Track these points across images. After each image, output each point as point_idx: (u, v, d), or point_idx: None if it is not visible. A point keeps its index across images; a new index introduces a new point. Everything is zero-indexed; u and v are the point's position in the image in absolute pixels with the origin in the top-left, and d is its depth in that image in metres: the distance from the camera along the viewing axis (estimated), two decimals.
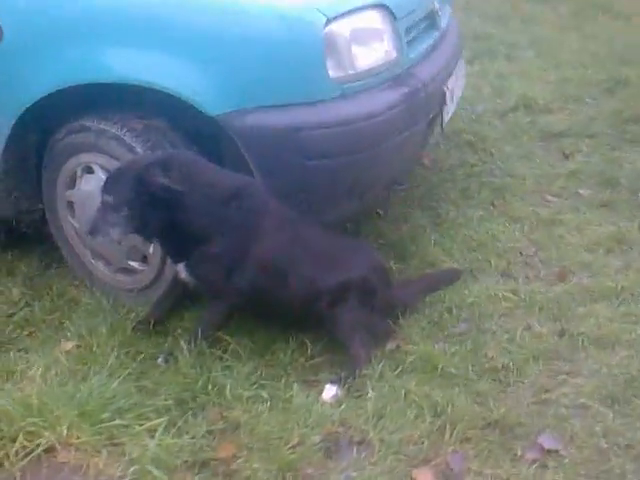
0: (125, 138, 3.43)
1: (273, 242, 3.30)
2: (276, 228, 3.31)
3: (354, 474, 2.83)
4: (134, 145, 3.43)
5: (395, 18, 3.54)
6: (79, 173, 3.61)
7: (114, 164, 3.46)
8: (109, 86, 3.39)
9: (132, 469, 2.77)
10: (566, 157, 4.94)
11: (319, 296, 3.31)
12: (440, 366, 3.27)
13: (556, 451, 2.91)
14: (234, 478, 2.85)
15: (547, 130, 5.23)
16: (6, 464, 2.80)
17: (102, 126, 3.48)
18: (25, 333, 3.59)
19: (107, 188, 3.22)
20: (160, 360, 3.34)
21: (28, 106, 3.47)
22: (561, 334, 3.48)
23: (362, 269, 3.39)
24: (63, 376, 3.23)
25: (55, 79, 3.41)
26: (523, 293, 3.72)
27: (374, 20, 3.48)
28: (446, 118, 3.96)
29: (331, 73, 3.38)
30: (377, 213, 4.33)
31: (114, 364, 3.27)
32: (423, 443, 2.95)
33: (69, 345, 3.43)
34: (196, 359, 3.28)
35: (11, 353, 3.43)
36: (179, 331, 3.48)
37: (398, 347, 3.41)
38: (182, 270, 3.35)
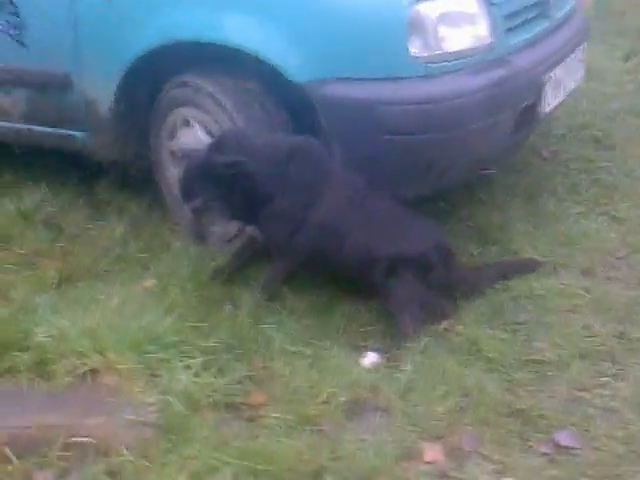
0: (218, 96, 3.63)
1: (331, 202, 3.43)
2: (335, 188, 3.43)
3: (366, 437, 2.91)
4: (225, 103, 3.63)
5: (492, 3, 3.54)
6: (179, 125, 3.82)
7: (208, 119, 3.65)
8: (210, 46, 3.58)
9: (159, 398, 2.94)
10: None
11: (374, 264, 3.40)
12: (483, 350, 3.27)
13: (571, 448, 2.89)
14: (255, 424, 2.99)
15: None
16: (54, 379, 3.03)
17: (199, 83, 3.70)
18: (117, 268, 3.84)
19: (187, 195, 3.49)
20: (228, 307, 3.50)
21: (135, 58, 3.72)
22: (619, 337, 3.40)
23: (422, 245, 3.46)
24: (135, 309, 3.40)
25: (159, 35, 3.69)
26: (596, 292, 3.65)
27: (467, 4, 3.54)
28: (546, 109, 3.93)
29: (414, 52, 3.46)
30: (480, 197, 4.32)
31: (179, 302, 3.44)
32: (442, 420, 2.99)
33: (149, 283, 3.66)
34: (254, 310, 3.40)
35: (100, 284, 3.67)
36: (250, 282, 3.60)
37: (450, 327, 3.42)
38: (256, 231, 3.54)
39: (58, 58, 3.97)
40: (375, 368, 3.26)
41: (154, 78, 3.88)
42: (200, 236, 3.55)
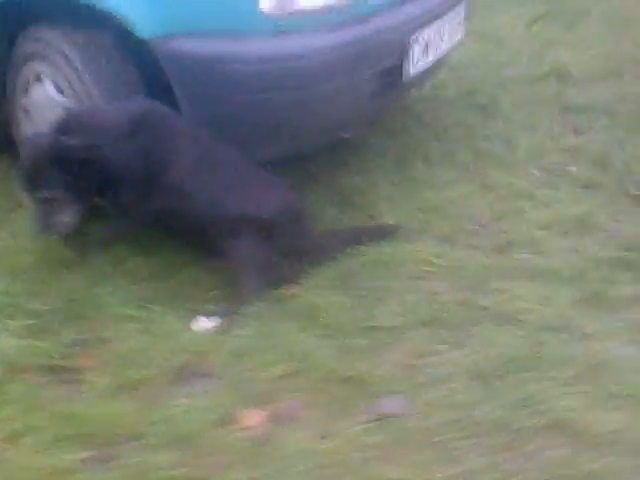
0: (66, 50, 3.51)
1: (180, 164, 3.33)
2: (183, 150, 3.34)
3: (188, 402, 2.84)
4: (72, 58, 3.50)
5: None
6: (31, 81, 3.69)
7: (58, 75, 3.53)
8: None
9: None
10: (575, 133, 4.72)
11: (221, 225, 3.31)
12: (321, 316, 3.21)
13: (395, 416, 2.85)
14: (77, 388, 2.94)
15: (569, 103, 5.02)
16: None
17: (50, 36, 3.58)
18: None
19: (31, 185, 3.28)
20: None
21: None
22: (464, 305, 3.36)
23: (270, 207, 3.38)
24: None
25: None
26: (449, 259, 3.60)
27: None
28: (412, 71, 3.85)
29: (264, 8, 3.35)
30: (347, 161, 4.25)
31: (21, 264, 3.40)
32: (268, 386, 2.96)
33: None
34: (91, 274, 3.30)
35: None
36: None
37: (291, 293, 3.35)
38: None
39: None
40: (206, 333, 3.20)
41: (9, 31, 3.70)
42: (46, 227, 3.35)
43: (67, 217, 3.31)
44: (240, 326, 3.19)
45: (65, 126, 3.26)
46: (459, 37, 4.32)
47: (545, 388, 2.95)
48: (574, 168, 4.37)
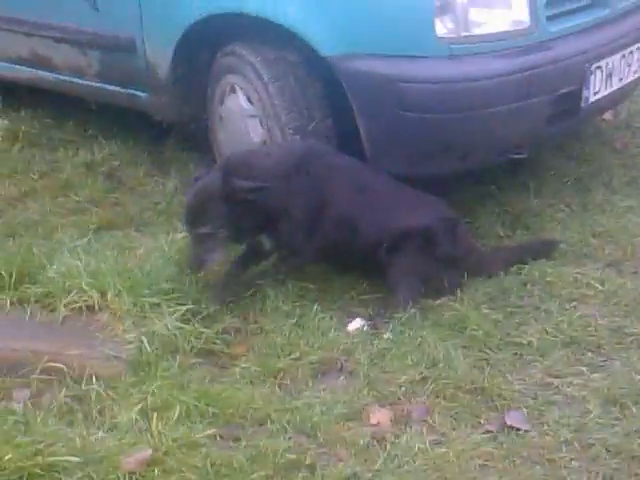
0: (257, 65, 3.82)
1: (341, 197, 3.54)
2: (342, 182, 3.55)
3: (322, 394, 3.05)
4: (262, 72, 3.81)
5: None
6: (227, 92, 4.05)
7: (249, 87, 3.87)
8: (253, 18, 3.78)
9: (138, 338, 3.18)
10: None
11: (381, 241, 3.50)
12: (469, 328, 3.32)
13: (517, 429, 2.91)
14: (224, 371, 3.18)
15: None
16: (56, 312, 3.34)
17: (244, 52, 3.91)
18: (159, 220, 4.12)
19: (194, 222, 3.43)
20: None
21: (188, 26, 3.99)
22: (614, 330, 3.37)
23: (426, 219, 3.52)
24: (158, 258, 3.66)
25: (202, 7, 3.96)
26: (610, 285, 3.61)
27: None
28: (592, 98, 3.89)
29: (440, 33, 3.52)
30: (527, 184, 4.32)
31: None
32: (401, 387, 3.07)
33: (178, 236, 3.89)
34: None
35: (135, 233, 3.97)
36: None
37: (444, 303, 3.48)
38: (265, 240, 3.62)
39: (125, 23, 4.27)
40: (358, 333, 3.36)
41: (210, 47, 4.08)
42: (200, 263, 3.51)
43: (219, 254, 3.50)
44: (389, 329, 3.33)
45: (233, 167, 3.45)
46: None
47: None
48: None
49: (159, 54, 4.19)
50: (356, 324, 3.39)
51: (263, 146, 3.75)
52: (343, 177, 3.55)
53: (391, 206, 3.54)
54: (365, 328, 3.39)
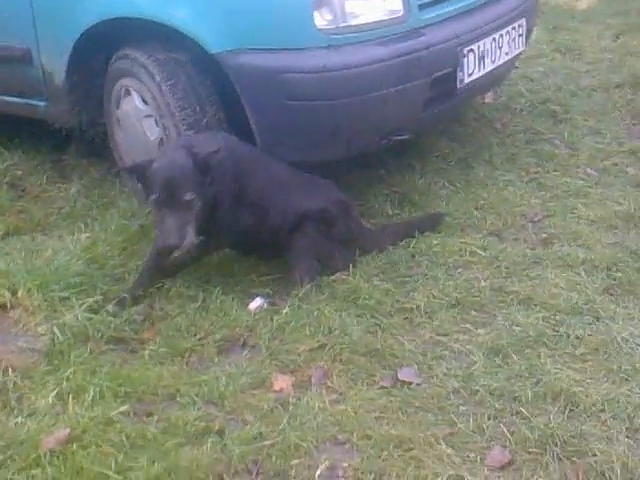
0: (149, 66, 4.01)
1: (256, 184, 3.75)
2: (255, 173, 3.76)
3: (227, 368, 3.25)
4: (154, 73, 4.00)
5: None
6: (122, 94, 4.23)
7: (143, 88, 4.05)
8: (142, 21, 3.97)
9: (50, 330, 3.35)
10: None
11: (282, 225, 3.73)
12: (361, 298, 3.56)
13: (409, 383, 3.16)
14: (134, 355, 3.37)
15: None
16: None
17: (135, 54, 4.09)
18: (64, 223, 4.27)
19: (176, 191, 3.47)
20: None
21: (80, 34, 4.14)
22: (497, 290, 3.63)
23: (321, 203, 3.77)
24: (65, 257, 3.82)
25: (94, 13, 4.11)
26: (493, 250, 3.89)
27: None
28: (466, 80, 4.16)
29: (319, 24, 3.75)
30: (413, 164, 4.59)
31: (101, 252, 3.85)
32: (300, 356, 3.30)
33: (83, 237, 4.07)
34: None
35: (42, 237, 4.12)
36: None
37: (338, 278, 3.71)
38: None
39: (19, 34, 4.41)
40: (259, 311, 3.58)
41: (104, 52, 4.25)
42: (175, 241, 3.55)
43: (190, 235, 3.57)
44: (287, 305, 3.55)
45: (188, 146, 3.58)
46: (520, 49, 4.56)
47: (554, 362, 3.17)
48: (632, 170, 4.52)
49: (55, 62, 4.35)
50: (256, 303, 3.60)
51: (190, 137, 3.90)
52: (255, 166, 3.75)
53: (291, 191, 3.75)
54: (265, 306, 3.59)
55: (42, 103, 4.54)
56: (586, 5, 7.04)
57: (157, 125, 4.09)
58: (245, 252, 3.91)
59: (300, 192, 3.79)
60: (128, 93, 4.20)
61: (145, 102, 4.13)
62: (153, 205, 3.49)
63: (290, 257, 3.75)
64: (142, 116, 4.16)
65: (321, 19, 3.77)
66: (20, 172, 4.78)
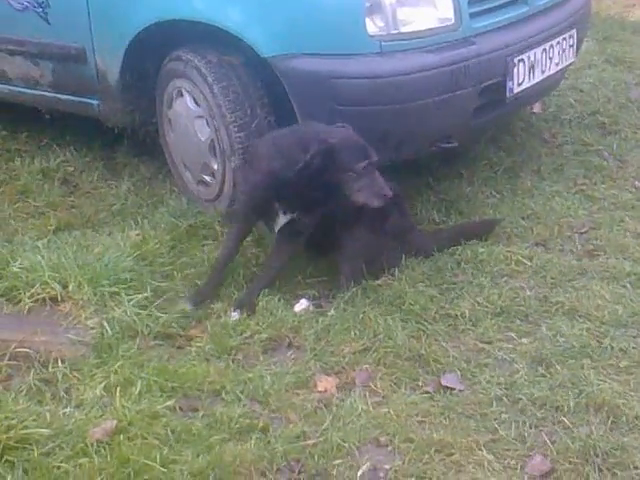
0: (202, 67, 4.08)
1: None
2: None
3: (272, 367, 3.31)
4: (207, 75, 4.07)
5: None
6: (174, 95, 4.30)
7: (195, 90, 4.12)
8: (198, 24, 4.04)
9: (99, 323, 3.42)
10: None
11: (343, 215, 3.74)
12: (407, 303, 3.59)
13: (452, 389, 3.19)
14: (181, 351, 3.42)
15: None
16: (21, 304, 3.56)
17: (189, 56, 4.15)
18: (114, 220, 4.35)
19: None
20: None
21: (135, 34, 4.21)
22: (541, 300, 3.65)
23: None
24: (115, 253, 3.89)
25: (149, 14, 4.18)
26: (539, 261, 3.90)
27: None
28: (516, 89, 4.18)
29: (370, 31, 3.80)
30: (460, 173, 4.62)
31: (151, 250, 3.91)
32: (345, 358, 3.34)
33: (132, 234, 4.14)
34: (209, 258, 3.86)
35: (92, 233, 4.20)
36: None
37: (384, 282, 3.74)
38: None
39: (75, 33, 4.49)
40: (304, 312, 3.62)
41: (158, 53, 4.32)
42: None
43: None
44: (333, 307, 3.60)
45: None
46: (571, 60, 4.57)
47: (597, 374, 3.19)
48: None
49: (109, 62, 4.42)
50: (301, 305, 3.65)
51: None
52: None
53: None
54: (310, 308, 3.64)
55: (95, 102, 4.61)
56: (637, 16, 7.00)
57: (208, 126, 4.15)
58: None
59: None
60: (180, 94, 4.25)
61: (197, 103, 4.18)
62: (364, 168, 3.52)
63: (339, 257, 3.79)
64: (193, 117, 4.21)
65: (373, 26, 3.79)
66: (72, 169, 4.85)
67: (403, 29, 3.85)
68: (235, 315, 3.57)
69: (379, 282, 3.75)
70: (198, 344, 3.41)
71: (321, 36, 3.87)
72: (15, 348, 3.31)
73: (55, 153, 4.98)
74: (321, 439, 2.90)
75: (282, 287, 3.76)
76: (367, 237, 3.77)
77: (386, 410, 3.06)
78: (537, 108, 5.31)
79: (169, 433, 2.92)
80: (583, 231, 4.19)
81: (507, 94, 4.16)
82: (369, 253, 3.79)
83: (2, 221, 4.34)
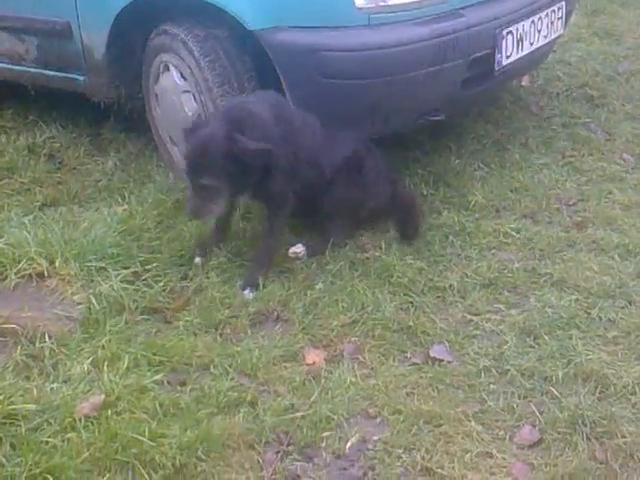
0: (188, 41, 4.04)
1: (308, 143, 3.75)
2: (307, 129, 3.78)
3: (260, 340, 3.31)
4: (193, 49, 4.03)
5: None
6: (161, 70, 4.27)
7: (182, 64, 4.08)
8: None
9: (86, 298, 3.40)
10: None
11: (323, 177, 3.78)
12: (394, 276, 3.58)
13: (440, 360, 3.18)
14: (168, 325, 3.41)
15: None
16: (7, 280, 3.53)
17: (175, 30, 4.12)
18: (100, 196, 4.33)
19: (196, 171, 3.45)
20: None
21: (121, 9, 4.17)
22: (529, 271, 3.65)
23: (351, 146, 3.84)
24: (102, 228, 3.87)
25: None
26: (527, 233, 3.90)
27: None
28: (504, 61, 4.16)
29: (358, 3, 3.78)
30: (449, 146, 4.60)
31: (137, 225, 3.89)
32: (333, 331, 3.33)
33: (119, 209, 4.11)
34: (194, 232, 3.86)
35: (78, 209, 4.18)
36: None
37: (372, 256, 3.74)
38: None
39: (60, 9, 4.45)
40: (295, 256, 3.72)
41: (144, 27, 4.28)
42: (199, 211, 3.61)
43: (218, 206, 3.62)
44: (321, 281, 3.59)
45: (237, 121, 3.50)
46: (559, 32, 4.55)
47: (585, 344, 3.19)
48: None
49: (94, 37, 4.38)
50: (297, 248, 3.73)
51: (246, 97, 3.91)
52: (307, 123, 3.77)
53: (340, 148, 3.83)
54: (304, 255, 3.69)
55: (81, 77, 4.58)
56: None
57: (195, 101, 4.12)
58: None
59: (335, 142, 3.83)
60: (167, 69, 4.22)
61: (184, 78, 4.15)
62: None
63: (324, 217, 3.84)
64: (180, 91, 4.18)
65: None
66: (58, 145, 4.82)
67: (391, 1, 3.83)
68: (249, 293, 3.57)
69: (367, 255, 3.75)
70: (186, 318, 3.40)
71: (308, 9, 3.84)
72: (2, 324, 3.26)
73: (41, 129, 4.94)
74: (310, 411, 2.90)
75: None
76: (345, 190, 3.79)
77: (375, 382, 3.07)
78: (525, 81, 5.30)
79: (157, 407, 2.90)
80: (571, 203, 4.17)
81: (495, 67, 4.15)
82: (351, 206, 3.83)
83: None
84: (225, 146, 3.36)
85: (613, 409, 2.87)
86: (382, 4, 3.80)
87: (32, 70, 4.77)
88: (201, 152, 3.41)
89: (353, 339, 3.29)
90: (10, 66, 4.88)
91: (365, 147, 3.86)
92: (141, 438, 2.73)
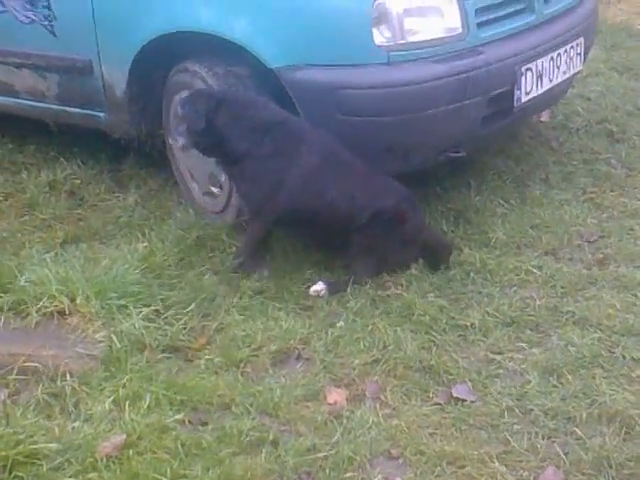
0: (208, 79, 4.07)
1: (310, 164, 3.77)
2: (312, 153, 3.78)
3: (281, 379, 3.29)
4: (214, 86, 4.07)
5: None
6: None
7: None
8: (204, 36, 4.03)
9: (107, 337, 3.40)
10: None
11: (353, 219, 3.77)
12: (416, 314, 3.57)
13: (463, 400, 3.16)
14: (189, 364, 3.40)
15: None
16: (28, 318, 3.54)
17: (196, 68, 4.15)
18: (121, 233, 4.34)
19: (181, 104, 3.86)
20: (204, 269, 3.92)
21: (141, 47, 4.20)
22: (551, 309, 3.63)
23: (392, 198, 3.81)
24: (122, 265, 3.88)
25: (155, 26, 4.18)
26: (549, 270, 3.88)
27: None
28: (524, 98, 4.17)
29: (377, 41, 3.79)
30: (469, 182, 4.60)
31: (158, 263, 3.90)
32: (355, 370, 3.32)
33: (140, 246, 4.12)
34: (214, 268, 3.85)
35: (99, 245, 4.19)
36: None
37: (394, 293, 3.73)
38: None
39: (81, 46, 4.48)
40: (316, 294, 3.72)
41: (164, 64, 4.31)
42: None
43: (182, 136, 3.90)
44: (342, 319, 3.58)
45: (220, 100, 3.82)
46: (578, 68, 4.57)
47: (609, 384, 3.16)
48: None
49: (115, 74, 4.42)
50: (319, 286, 3.73)
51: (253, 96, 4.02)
52: (313, 142, 3.79)
53: (356, 181, 3.79)
54: (324, 293, 3.70)
55: (102, 114, 4.59)
56: None
57: None
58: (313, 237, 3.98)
59: (367, 185, 3.80)
60: None
61: None
62: None
63: (350, 254, 3.83)
64: None
65: (380, 36, 3.79)
66: (79, 181, 4.84)
67: (410, 39, 3.83)
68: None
69: (388, 293, 3.72)
70: (207, 357, 3.39)
71: (328, 47, 3.87)
72: (23, 362, 3.28)
73: (62, 166, 4.96)
74: (332, 452, 2.87)
75: (290, 298, 3.70)
76: (380, 237, 3.76)
77: (397, 422, 3.04)
78: (545, 117, 5.29)
79: (179, 447, 2.89)
80: (592, 240, 4.15)
81: (515, 103, 4.14)
82: (382, 251, 3.81)
83: (9, 234, 4.33)
84: (197, 101, 3.82)
85: (639, 450, 2.81)
86: (401, 42, 3.81)
87: (54, 107, 4.79)
88: (191, 95, 3.92)
89: (375, 378, 3.27)
90: (32, 103, 4.89)
91: (408, 198, 3.85)
92: (163, 478, 2.72)
